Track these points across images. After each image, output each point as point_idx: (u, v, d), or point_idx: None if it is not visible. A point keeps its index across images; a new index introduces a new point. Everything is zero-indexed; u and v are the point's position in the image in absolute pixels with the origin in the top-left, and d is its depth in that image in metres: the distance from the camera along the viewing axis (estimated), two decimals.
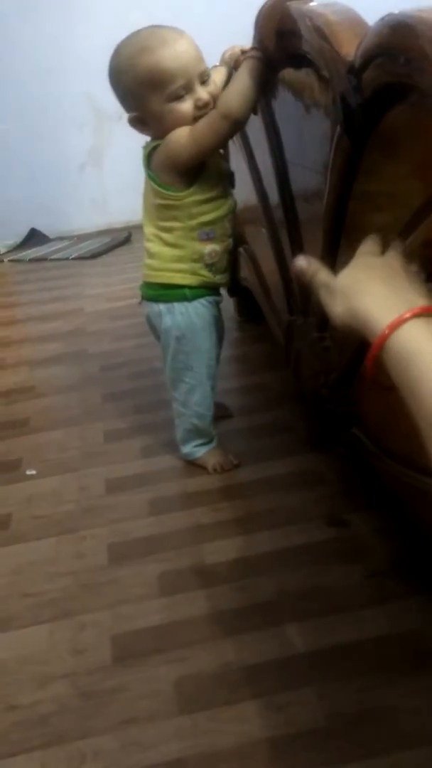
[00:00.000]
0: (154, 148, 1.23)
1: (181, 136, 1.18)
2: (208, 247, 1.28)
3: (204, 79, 1.17)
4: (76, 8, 3.61)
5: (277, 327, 1.58)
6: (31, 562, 1.25)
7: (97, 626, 1.08)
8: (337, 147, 0.88)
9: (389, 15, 0.66)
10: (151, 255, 1.32)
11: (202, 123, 1.17)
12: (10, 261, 3.59)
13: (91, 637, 1.06)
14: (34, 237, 3.89)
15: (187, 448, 1.46)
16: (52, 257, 3.52)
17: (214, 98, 1.18)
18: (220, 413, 1.59)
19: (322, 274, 0.75)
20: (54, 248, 3.68)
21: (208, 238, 1.28)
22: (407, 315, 0.61)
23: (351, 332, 0.68)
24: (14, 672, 1.02)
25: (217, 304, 1.37)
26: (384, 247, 0.76)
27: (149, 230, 1.31)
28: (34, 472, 1.54)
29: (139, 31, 1.17)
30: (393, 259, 0.72)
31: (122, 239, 3.66)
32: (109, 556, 1.24)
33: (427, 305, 0.62)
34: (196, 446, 1.45)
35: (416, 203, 0.75)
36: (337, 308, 0.70)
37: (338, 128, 0.86)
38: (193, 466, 1.45)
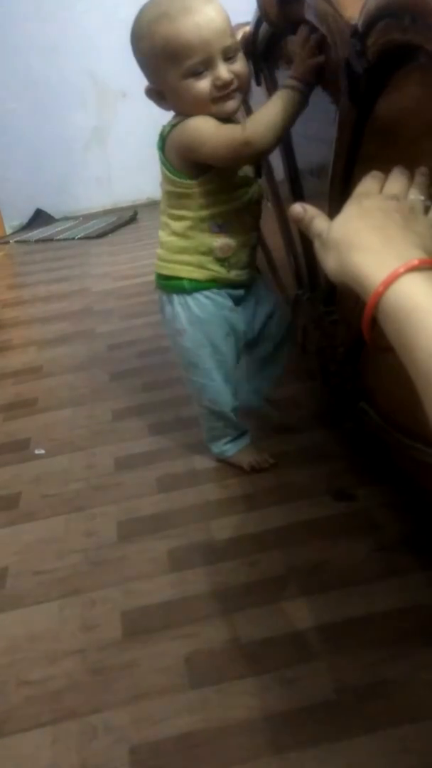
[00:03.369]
0: (171, 131, 1.11)
1: (202, 130, 1.06)
2: (220, 240, 1.16)
3: (230, 55, 1.04)
4: None
5: (284, 303, 1.57)
6: (41, 540, 1.25)
7: (107, 602, 1.08)
8: (343, 114, 0.86)
9: None
10: (161, 244, 1.22)
11: (225, 135, 1.05)
12: (16, 242, 3.59)
13: (102, 614, 1.06)
14: (39, 217, 3.89)
15: (216, 448, 1.37)
16: (58, 237, 3.51)
17: (240, 78, 1.06)
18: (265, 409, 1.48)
19: (318, 222, 0.71)
20: (60, 228, 3.67)
21: (221, 231, 1.15)
22: (401, 270, 0.57)
23: (346, 288, 0.65)
24: (26, 648, 1.03)
25: (230, 297, 1.23)
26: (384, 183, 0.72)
27: (162, 218, 1.21)
28: (42, 451, 1.54)
29: None
30: (389, 199, 0.69)
31: (128, 218, 3.64)
32: (119, 533, 1.24)
33: (422, 257, 0.59)
34: (226, 444, 1.36)
35: (424, 170, 0.73)
36: (329, 263, 0.67)
37: (343, 95, 0.84)
38: (201, 445, 1.43)
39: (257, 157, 1.09)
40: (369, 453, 1.29)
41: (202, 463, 1.40)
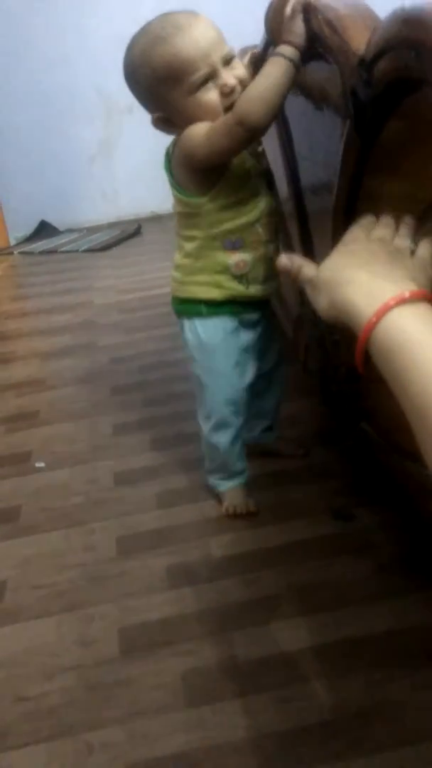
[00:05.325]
0: (174, 149, 1.11)
1: (197, 133, 1.05)
2: (234, 257, 1.13)
3: (228, 60, 1.03)
4: (87, 1, 3.60)
5: (286, 320, 1.58)
6: (40, 554, 1.26)
7: (105, 618, 1.09)
8: (347, 142, 0.88)
9: (400, 8, 0.66)
10: (175, 266, 1.20)
11: (220, 123, 1.03)
12: (20, 253, 3.60)
13: (99, 630, 1.07)
14: (44, 229, 3.90)
15: (210, 478, 1.33)
16: (62, 249, 3.52)
17: (243, 83, 1.03)
18: (287, 451, 1.44)
19: (306, 269, 0.73)
20: (64, 240, 3.68)
21: (234, 248, 1.13)
22: (392, 302, 0.59)
23: (339, 326, 0.66)
24: (23, 663, 1.03)
25: (246, 322, 1.21)
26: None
27: (177, 240, 1.19)
28: (43, 464, 1.55)
29: (150, 23, 1.04)
30: (374, 241, 0.71)
31: (132, 231, 3.66)
32: (118, 548, 1.24)
33: (412, 289, 0.60)
34: (218, 479, 1.32)
35: (427, 200, 0.74)
36: (321, 303, 0.69)
37: (348, 123, 0.85)
38: (202, 461, 1.43)
39: (255, 135, 1.04)
40: (368, 473, 1.30)
41: (201, 479, 1.40)
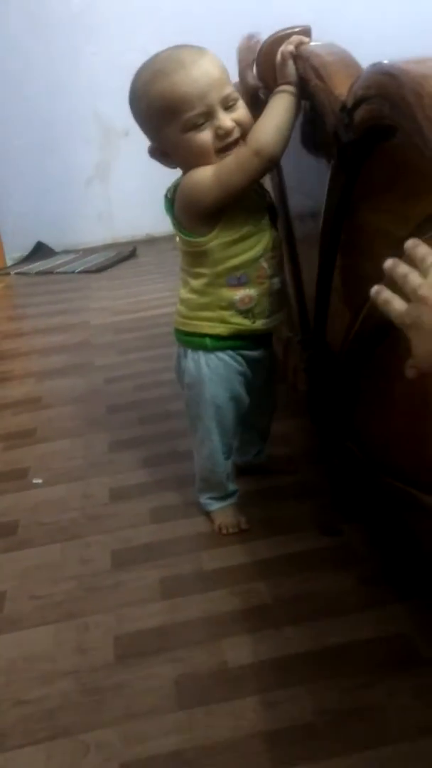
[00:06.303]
0: (175, 192, 1.13)
1: (203, 177, 1.06)
2: (239, 294, 1.15)
3: (229, 104, 1.04)
4: (86, 27, 3.69)
5: (275, 341, 1.64)
6: (38, 566, 1.30)
7: (100, 627, 1.13)
8: (333, 178, 0.95)
9: (378, 64, 0.73)
10: (180, 301, 1.22)
11: (230, 161, 1.05)
12: (16, 274, 3.65)
13: (95, 637, 1.11)
14: (40, 250, 3.95)
15: (202, 498, 1.36)
16: (58, 270, 3.57)
17: (242, 126, 1.06)
18: (278, 467, 1.48)
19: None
20: (60, 261, 3.74)
21: (239, 284, 1.14)
22: None
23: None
24: (22, 669, 1.07)
25: (247, 359, 1.23)
26: None
27: (181, 275, 1.21)
28: (40, 481, 1.59)
29: (158, 54, 1.06)
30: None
31: (127, 254, 3.72)
32: (113, 561, 1.29)
33: None
34: (209, 499, 1.34)
35: (403, 233, 0.81)
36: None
37: (333, 161, 0.92)
38: (194, 478, 1.47)
39: (271, 165, 1.08)
40: (354, 490, 1.34)
41: (194, 495, 1.43)
